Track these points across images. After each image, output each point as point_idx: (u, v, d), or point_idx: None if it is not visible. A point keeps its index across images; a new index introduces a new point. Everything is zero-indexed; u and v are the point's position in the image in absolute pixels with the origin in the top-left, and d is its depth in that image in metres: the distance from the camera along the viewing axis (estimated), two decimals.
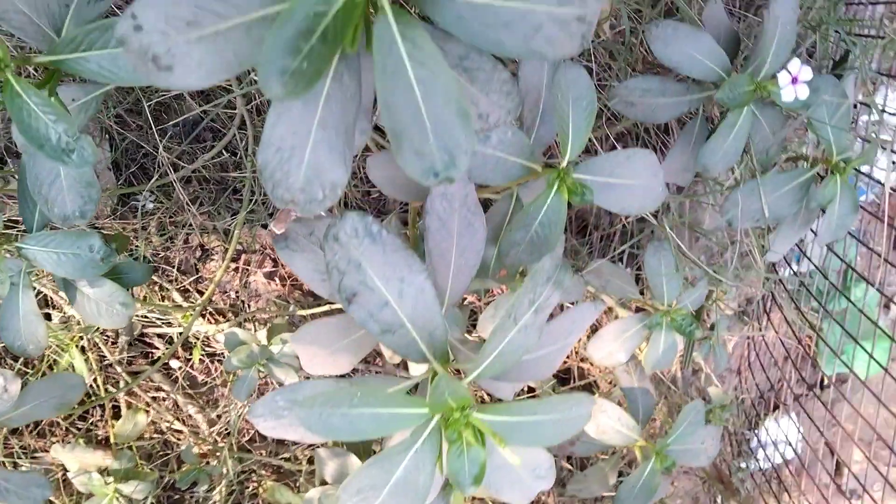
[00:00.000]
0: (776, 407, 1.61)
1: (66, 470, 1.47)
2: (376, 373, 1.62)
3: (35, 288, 1.42)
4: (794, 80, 0.81)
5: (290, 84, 0.40)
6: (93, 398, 1.61)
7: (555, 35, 0.46)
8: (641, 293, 1.17)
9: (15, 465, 1.57)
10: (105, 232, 1.47)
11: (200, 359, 1.64)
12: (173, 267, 1.57)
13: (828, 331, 1.56)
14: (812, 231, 1.04)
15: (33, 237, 0.97)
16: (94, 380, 1.60)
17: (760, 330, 1.35)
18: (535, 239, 0.71)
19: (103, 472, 1.42)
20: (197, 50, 0.43)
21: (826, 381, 1.68)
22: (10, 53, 0.69)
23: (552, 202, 0.70)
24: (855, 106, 1.01)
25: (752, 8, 1.19)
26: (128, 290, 1.14)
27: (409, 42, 0.42)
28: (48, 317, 1.56)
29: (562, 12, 0.45)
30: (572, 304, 1.50)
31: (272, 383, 1.44)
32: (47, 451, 1.64)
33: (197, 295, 1.61)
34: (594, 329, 1.50)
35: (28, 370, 1.57)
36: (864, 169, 1.12)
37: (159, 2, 0.42)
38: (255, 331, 1.57)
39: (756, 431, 1.53)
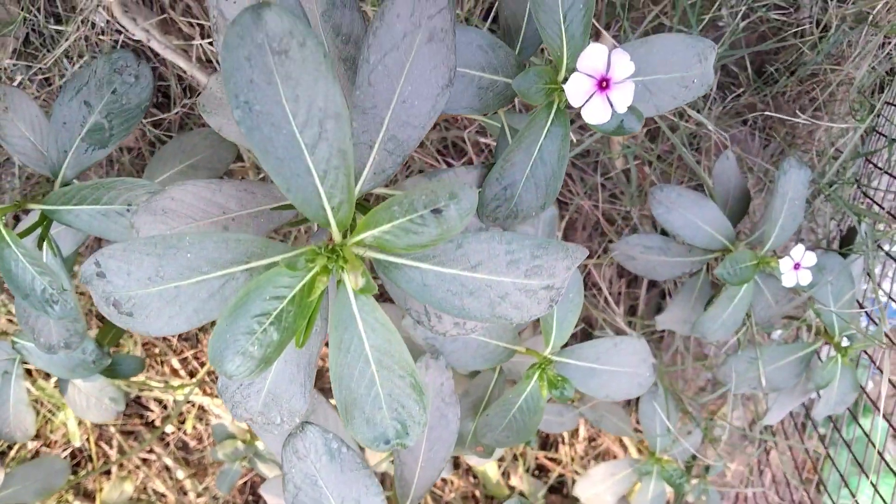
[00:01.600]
0: None
1: None
2: None
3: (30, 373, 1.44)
4: (797, 266, 0.79)
5: (242, 366, 0.39)
6: (86, 454, 1.62)
7: (522, 302, 0.45)
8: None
9: None
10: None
11: (194, 426, 1.64)
12: (174, 335, 1.58)
13: (835, 457, 1.52)
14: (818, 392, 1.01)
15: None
16: (87, 439, 1.61)
17: (759, 470, 1.31)
18: (514, 424, 0.70)
19: None
20: (157, 302, 0.42)
21: None
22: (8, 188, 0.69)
23: (532, 391, 0.68)
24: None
25: (767, 151, 1.17)
26: (120, 381, 1.14)
27: (368, 318, 0.41)
28: (47, 374, 1.57)
29: (529, 283, 0.44)
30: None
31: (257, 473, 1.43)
32: None
33: (195, 363, 1.61)
34: (596, 453, 1.47)
35: None
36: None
37: (122, 256, 0.41)
38: None
39: None
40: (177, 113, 1.22)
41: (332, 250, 0.39)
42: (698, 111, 1.17)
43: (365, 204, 0.53)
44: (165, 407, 1.63)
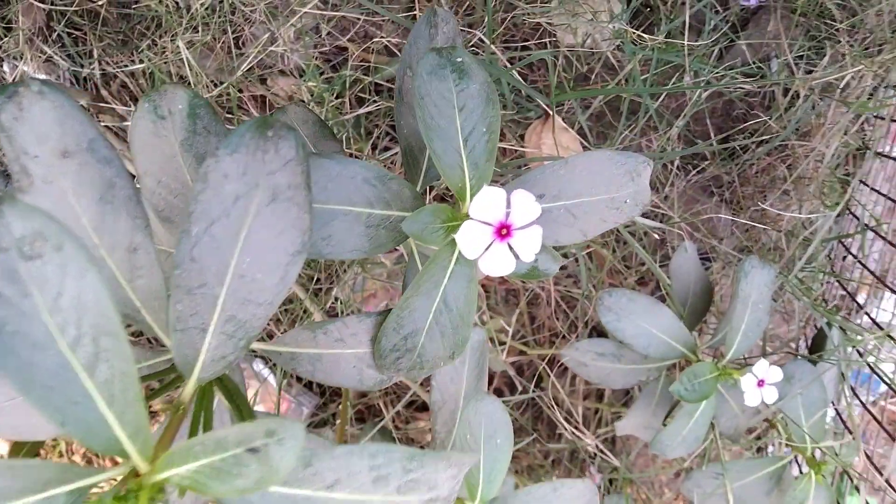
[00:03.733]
0: None
1: None
2: None
3: None
4: (761, 383, 0.71)
5: None
6: None
7: None
8: None
9: None
10: None
11: None
12: None
13: None
14: None
15: None
16: None
17: None
18: None
19: None
20: None
21: None
22: None
23: None
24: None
25: (738, 224, 1.10)
26: None
27: None
28: None
29: (405, 500, 0.36)
30: None
31: None
32: None
33: None
34: None
35: None
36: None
37: None
38: None
39: None
40: None
41: (122, 498, 0.31)
42: (660, 187, 1.09)
43: (223, 383, 0.44)
44: None
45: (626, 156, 0.51)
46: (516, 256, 0.43)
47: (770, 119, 1.01)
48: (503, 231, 0.42)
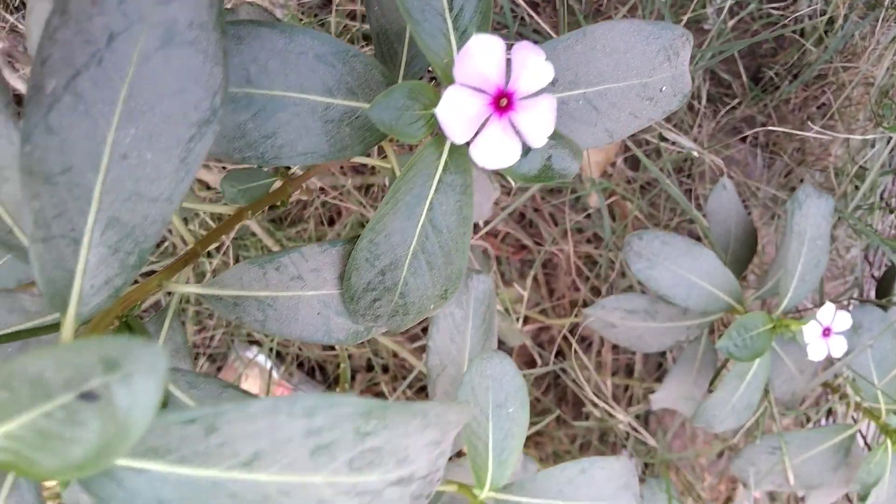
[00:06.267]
0: None
1: None
2: None
3: None
4: (827, 332, 0.59)
5: None
6: None
7: None
8: None
9: None
10: None
11: None
12: None
13: None
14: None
15: None
16: None
17: None
18: None
19: None
20: None
21: None
22: None
23: None
24: None
25: (773, 171, 0.97)
26: None
27: None
28: None
29: (363, 481, 0.24)
30: None
31: None
32: None
33: None
34: None
35: None
36: None
37: None
38: None
39: None
40: None
41: None
42: (687, 129, 0.97)
43: (129, 327, 0.32)
44: None
45: (658, 26, 0.39)
46: (522, 140, 0.31)
47: (807, 43, 0.88)
48: (502, 101, 0.30)
